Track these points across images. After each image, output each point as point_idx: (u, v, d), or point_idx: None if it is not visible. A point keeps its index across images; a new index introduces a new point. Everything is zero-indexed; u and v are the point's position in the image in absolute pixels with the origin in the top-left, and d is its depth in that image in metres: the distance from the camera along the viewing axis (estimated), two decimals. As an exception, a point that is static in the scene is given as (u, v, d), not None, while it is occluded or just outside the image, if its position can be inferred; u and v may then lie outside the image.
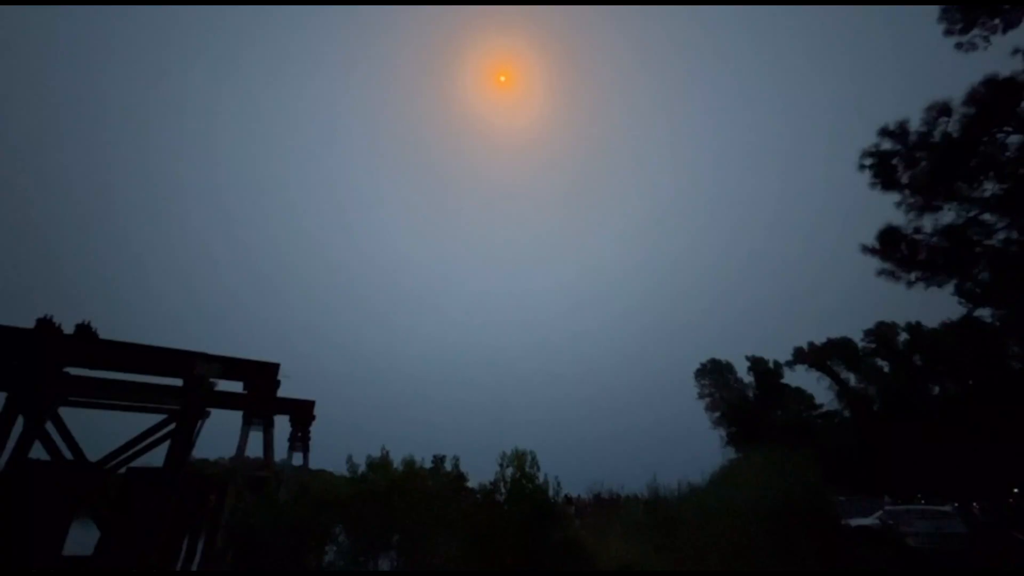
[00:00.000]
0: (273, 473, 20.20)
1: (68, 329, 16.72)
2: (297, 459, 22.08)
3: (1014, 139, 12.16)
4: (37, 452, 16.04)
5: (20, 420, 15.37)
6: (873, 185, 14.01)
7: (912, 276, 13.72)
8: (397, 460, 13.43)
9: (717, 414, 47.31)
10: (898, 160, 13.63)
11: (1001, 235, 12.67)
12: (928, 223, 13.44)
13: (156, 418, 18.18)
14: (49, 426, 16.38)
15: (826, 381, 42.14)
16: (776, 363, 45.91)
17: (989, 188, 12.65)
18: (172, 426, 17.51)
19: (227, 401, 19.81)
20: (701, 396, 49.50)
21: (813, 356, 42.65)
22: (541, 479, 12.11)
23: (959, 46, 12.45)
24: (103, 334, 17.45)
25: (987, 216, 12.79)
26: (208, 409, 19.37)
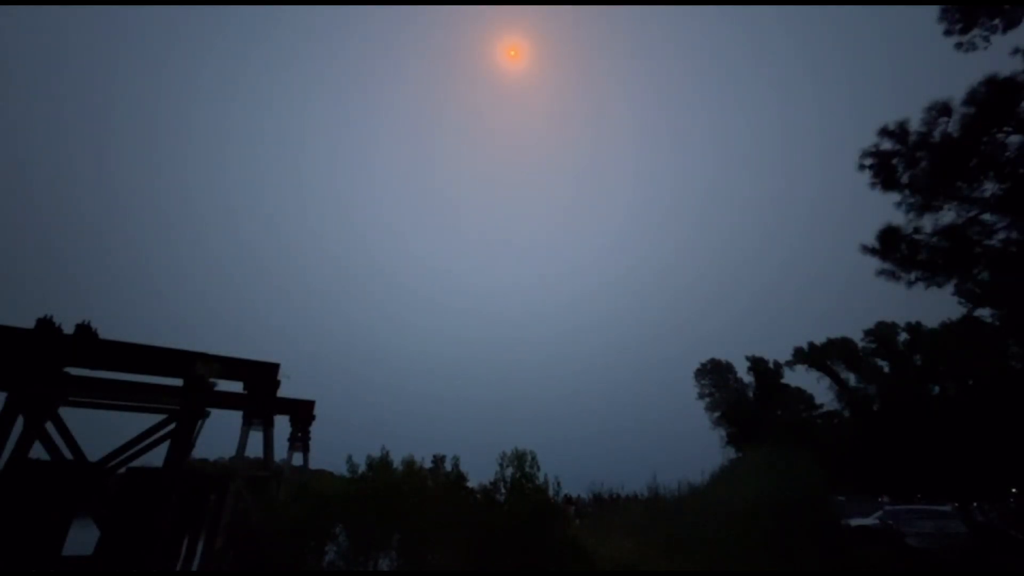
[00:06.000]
0: (273, 473, 20.22)
1: (68, 329, 16.73)
2: (297, 459, 22.14)
3: (1014, 139, 12.16)
4: (37, 452, 16.05)
5: (20, 420, 15.37)
6: (873, 185, 14.01)
7: (912, 276, 13.70)
8: (397, 460, 13.42)
9: (717, 414, 47.32)
10: (898, 160, 13.63)
11: (1001, 235, 12.67)
12: (928, 223, 13.43)
13: (156, 418, 18.19)
14: (49, 426, 16.39)
15: (826, 381, 42.09)
16: (776, 363, 45.90)
17: (989, 188, 12.65)
18: (172, 426, 17.53)
19: (227, 401, 19.83)
20: (701, 396, 49.50)
21: (813, 356, 42.60)
22: (541, 479, 12.08)
23: (959, 46, 12.44)
24: (103, 334, 17.47)
25: (987, 216, 12.78)
26: (208, 409, 19.38)
